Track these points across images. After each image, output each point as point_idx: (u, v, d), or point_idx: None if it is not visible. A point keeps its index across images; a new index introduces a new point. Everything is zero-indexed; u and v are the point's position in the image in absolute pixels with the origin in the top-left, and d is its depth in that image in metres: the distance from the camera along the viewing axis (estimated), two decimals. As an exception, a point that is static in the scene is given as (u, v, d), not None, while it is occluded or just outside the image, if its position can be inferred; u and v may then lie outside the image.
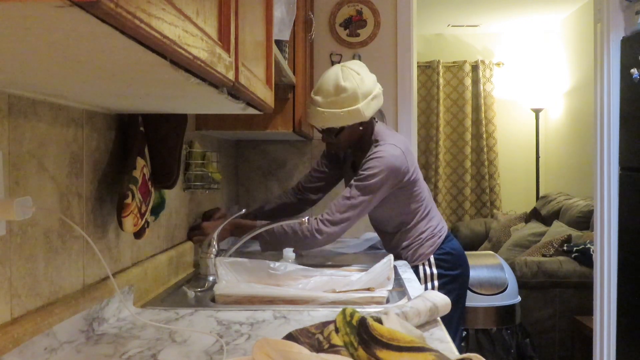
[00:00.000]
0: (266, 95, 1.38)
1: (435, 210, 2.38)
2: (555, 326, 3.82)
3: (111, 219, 1.46)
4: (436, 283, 2.27)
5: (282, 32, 1.92)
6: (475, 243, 5.57)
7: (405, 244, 2.31)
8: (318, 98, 2.18)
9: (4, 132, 1.02)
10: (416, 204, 2.28)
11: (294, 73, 2.34)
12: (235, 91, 1.11)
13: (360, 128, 2.22)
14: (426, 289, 2.24)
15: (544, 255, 4.02)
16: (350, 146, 2.31)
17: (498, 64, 6.37)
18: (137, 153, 1.47)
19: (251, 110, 1.40)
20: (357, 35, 3.09)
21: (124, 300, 1.44)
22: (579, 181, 5.29)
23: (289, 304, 1.60)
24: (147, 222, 1.51)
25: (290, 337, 1.09)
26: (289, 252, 2.13)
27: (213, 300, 1.68)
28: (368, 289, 1.71)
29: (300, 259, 2.23)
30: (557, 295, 3.80)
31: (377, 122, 2.31)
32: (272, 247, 2.17)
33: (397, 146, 2.19)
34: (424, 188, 2.32)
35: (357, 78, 2.16)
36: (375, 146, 2.20)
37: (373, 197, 2.16)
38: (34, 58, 0.77)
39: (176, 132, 1.59)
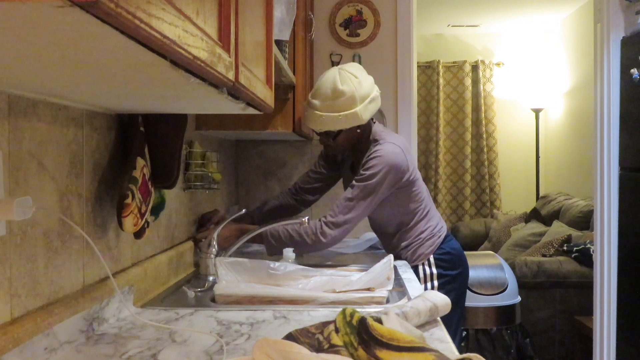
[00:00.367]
0: (266, 95, 1.38)
1: (434, 210, 2.38)
2: (555, 326, 3.82)
3: (111, 219, 1.46)
4: (436, 283, 2.27)
5: (282, 32, 1.92)
6: (475, 243, 5.57)
7: (404, 244, 2.31)
8: (315, 102, 2.18)
9: (4, 132, 1.02)
10: (415, 204, 2.28)
11: (294, 73, 2.34)
12: (235, 91, 1.11)
13: (358, 130, 2.22)
14: (426, 288, 2.24)
15: (544, 255, 4.02)
16: (348, 148, 2.32)
17: (498, 64, 6.37)
18: (137, 153, 1.47)
19: (251, 110, 1.40)
20: (357, 35, 3.09)
21: (124, 300, 1.44)
22: (579, 181, 5.29)
23: (289, 304, 1.60)
24: (147, 222, 1.51)
25: (290, 337, 1.09)
26: (289, 252, 2.13)
27: (213, 300, 1.68)
28: (368, 289, 1.71)
29: (300, 259, 2.23)
30: (557, 295, 3.80)
31: (374, 122, 2.32)
32: (277, 251, 2.18)
33: (396, 144, 2.19)
34: (422, 188, 2.32)
35: (355, 81, 2.15)
36: (375, 145, 2.20)
37: (375, 196, 2.16)
38: (34, 58, 0.77)
39: (176, 132, 1.59)
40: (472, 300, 3.43)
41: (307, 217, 2.06)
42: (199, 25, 0.81)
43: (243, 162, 3.15)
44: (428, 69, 6.37)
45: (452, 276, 2.31)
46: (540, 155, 6.16)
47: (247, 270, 1.78)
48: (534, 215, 5.02)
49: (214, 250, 1.99)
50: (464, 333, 3.50)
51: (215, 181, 2.25)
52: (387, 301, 1.66)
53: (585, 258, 3.77)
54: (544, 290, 3.80)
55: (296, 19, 2.18)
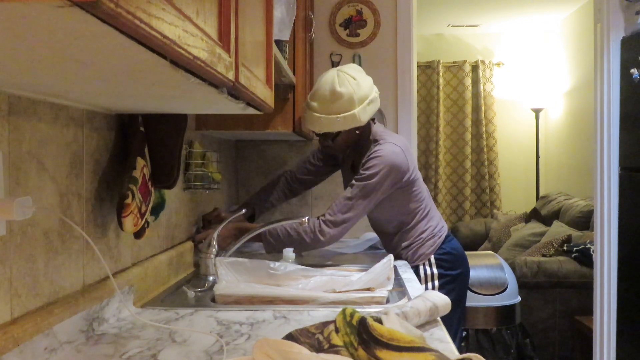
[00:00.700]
0: (266, 95, 1.38)
1: (434, 210, 2.38)
2: (555, 326, 3.82)
3: (111, 219, 1.46)
4: (436, 283, 2.27)
5: (282, 32, 1.92)
6: (475, 243, 5.57)
7: (405, 244, 2.31)
8: (314, 103, 2.18)
9: (4, 132, 1.02)
10: (415, 204, 2.28)
11: (294, 73, 2.34)
12: (235, 91, 1.11)
13: (357, 132, 2.23)
14: (426, 289, 2.24)
15: (544, 255, 4.02)
16: (347, 149, 2.32)
17: (498, 64, 6.37)
18: (137, 153, 1.47)
19: (251, 110, 1.40)
20: (357, 35, 3.09)
21: (124, 300, 1.44)
22: (579, 181, 5.29)
23: (289, 304, 1.60)
24: (147, 222, 1.51)
25: (290, 337, 1.09)
26: (289, 252, 2.13)
27: (213, 300, 1.68)
28: (368, 289, 1.71)
29: (300, 259, 2.23)
30: (557, 295, 3.80)
31: (375, 122, 2.32)
32: (276, 249, 2.18)
33: (396, 144, 2.20)
34: (423, 188, 2.32)
35: (353, 83, 2.15)
36: (375, 145, 2.21)
37: (375, 196, 2.17)
38: (34, 58, 0.77)
39: (176, 132, 1.59)
40: (472, 300, 3.43)
41: (307, 217, 2.06)
42: (199, 25, 0.81)
43: (243, 162, 3.15)
44: (428, 69, 6.37)
45: (452, 276, 2.31)
46: (540, 155, 6.16)
47: (247, 270, 1.78)
48: (534, 215, 5.02)
49: (214, 250, 1.99)
50: (464, 333, 3.50)
51: (215, 181, 2.25)
52: (387, 301, 1.66)
53: (585, 258, 3.77)
54: (544, 290, 3.80)
55: (296, 19, 2.18)
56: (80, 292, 1.29)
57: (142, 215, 1.46)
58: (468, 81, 6.36)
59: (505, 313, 3.53)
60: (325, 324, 1.11)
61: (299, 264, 1.92)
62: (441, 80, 6.36)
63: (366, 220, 2.46)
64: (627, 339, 2.90)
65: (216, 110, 1.52)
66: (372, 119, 2.31)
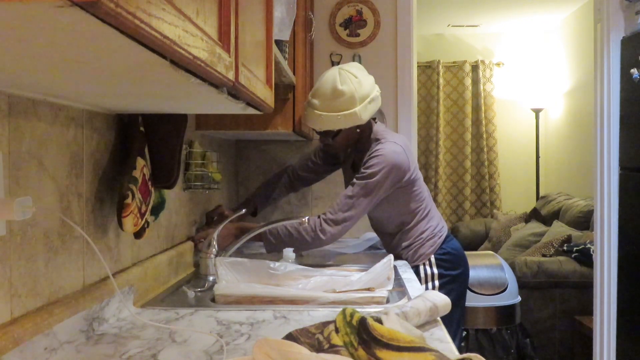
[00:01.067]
0: (266, 95, 1.38)
1: (435, 211, 2.38)
2: (555, 326, 3.82)
3: (111, 219, 1.46)
4: (437, 283, 2.27)
5: (282, 32, 1.92)
6: (475, 243, 5.57)
7: (405, 244, 2.31)
8: (315, 101, 2.19)
9: (4, 132, 1.02)
10: (416, 203, 2.28)
11: (294, 73, 2.34)
12: (235, 91, 1.11)
13: (358, 130, 2.23)
14: (427, 289, 2.24)
15: (544, 255, 4.02)
16: (348, 148, 2.32)
17: (498, 64, 6.37)
18: (137, 153, 1.47)
19: (251, 110, 1.40)
20: (357, 35, 3.09)
21: (124, 300, 1.44)
22: (579, 181, 5.29)
23: (289, 304, 1.60)
24: (147, 222, 1.51)
25: (290, 337, 1.09)
26: (289, 252, 2.13)
27: (213, 300, 1.68)
28: (368, 289, 1.71)
29: (300, 259, 2.23)
30: (557, 295, 3.80)
31: (376, 122, 2.32)
32: (276, 248, 2.19)
33: (397, 144, 2.20)
34: (423, 188, 2.33)
35: (355, 81, 2.16)
36: (376, 144, 2.21)
37: (375, 195, 2.17)
38: (34, 58, 0.77)
39: (176, 132, 1.59)
40: (472, 300, 3.43)
41: (307, 217, 2.06)
42: (199, 25, 0.81)
43: (243, 162, 3.15)
44: (428, 69, 6.36)
45: (452, 276, 2.31)
46: (540, 155, 6.16)
47: (247, 270, 1.78)
48: (534, 215, 5.02)
49: (214, 250, 1.99)
50: (464, 333, 3.50)
51: (215, 181, 2.25)
52: (387, 301, 1.66)
53: (585, 258, 3.77)
54: (544, 290, 3.80)
55: (296, 19, 2.18)
56: (80, 292, 1.29)
57: (142, 215, 1.46)
58: (468, 81, 6.36)
59: (505, 313, 3.53)
60: (325, 324, 1.11)
61: (299, 264, 1.92)
62: (441, 80, 6.36)
63: (366, 220, 2.46)
64: (627, 339, 2.90)
65: (216, 110, 1.52)
66: (373, 118, 2.31)
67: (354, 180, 2.19)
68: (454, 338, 2.15)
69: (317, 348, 1.06)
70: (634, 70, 2.70)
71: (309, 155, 2.64)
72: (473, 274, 3.00)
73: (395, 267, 1.92)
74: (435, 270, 2.28)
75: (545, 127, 6.29)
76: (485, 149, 6.33)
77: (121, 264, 1.54)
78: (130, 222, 1.40)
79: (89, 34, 0.61)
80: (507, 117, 6.38)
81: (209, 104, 1.30)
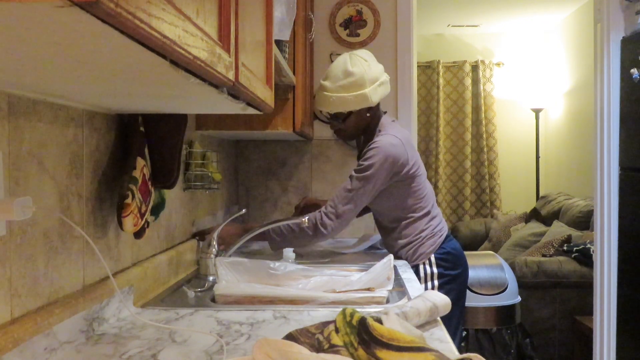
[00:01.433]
0: (266, 95, 1.38)
1: (436, 210, 2.38)
2: (555, 326, 3.82)
3: (111, 219, 1.46)
4: (436, 282, 2.27)
5: (282, 32, 1.92)
6: (475, 243, 5.57)
7: (404, 242, 2.31)
8: (326, 83, 2.25)
9: (4, 132, 1.02)
10: (414, 200, 2.28)
11: (294, 73, 2.34)
12: (235, 91, 1.11)
13: (368, 115, 2.26)
14: (426, 288, 2.24)
15: (544, 255, 4.02)
16: (358, 134, 2.34)
17: (498, 64, 6.37)
18: (137, 153, 1.47)
19: (251, 110, 1.40)
20: (357, 35, 3.09)
21: (124, 300, 1.44)
22: (579, 181, 5.29)
23: (289, 304, 1.60)
24: (147, 222, 1.51)
25: (290, 337, 1.09)
26: (289, 252, 2.13)
27: (213, 300, 1.68)
28: (368, 289, 1.71)
29: (300, 259, 2.23)
30: (557, 295, 3.80)
31: (385, 113, 2.34)
32: (281, 246, 2.20)
33: (396, 136, 2.21)
34: (425, 186, 2.32)
35: (365, 64, 2.23)
36: (376, 136, 2.23)
37: (373, 187, 2.18)
38: (34, 58, 0.77)
39: (176, 132, 1.59)
40: (472, 300, 3.43)
41: (306, 217, 2.07)
42: (199, 25, 0.81)
43: (243, 162, 3.15)
44: (428, 69, 6.36)
45: (452, 276, 2.31)
46: (540, 155, 6.16)
47: (247, 270, 1.78)
48: (534, 215, 5.02)
49: (214, 250, 1.99)
50: (464, 333, 3.50)
51: (215, 181, 2.25)
52: (387, 301, 1.66)
53: (585, 258, 3.77)
54: (544, 290, 3.80)
55: (296, 19, 2.18)
56: (80, 292, 1.29)
57: (142, 215, 1.46)
58: (468, 81, 6.36)
59: (505, 313, 3.53)
60: (325, 324, 1.11)
61: (299, 264, 1.92)
62: (441, 80, 6.36)
63: (366, 219, 2.46)
64: (627, 339, 2.90)
65: (216, 110, 1.52)
66: (384, 111, 2.33)
67: (352, 173, 2.21)
68: (454, 338, 2.15)
69: (317, 348, 1.06)
70: (634, 70, 2.70)
71: None
72: (473, 274, 3.00)
73: (395, 267, 1.92)
74: (435, 270, 2.28)
75: (545, 127, 6.29)
76: (485, 149, 6.33)
77: (121, 264, 1.54)
78: (130, 222, 1.40)
79: (89, 34, 0.61)
80: (507, 117, 6.38)
81: (209, 104, 1.30)
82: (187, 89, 1.01)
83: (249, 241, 2.18)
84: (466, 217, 6.29)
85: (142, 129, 1.52)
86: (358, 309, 1.10)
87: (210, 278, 1.93)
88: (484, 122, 6.33)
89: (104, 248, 1.43)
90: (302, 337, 1.08)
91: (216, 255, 1.97)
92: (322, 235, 2.19)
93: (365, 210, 2.48)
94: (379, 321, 1.09)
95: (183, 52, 0.73)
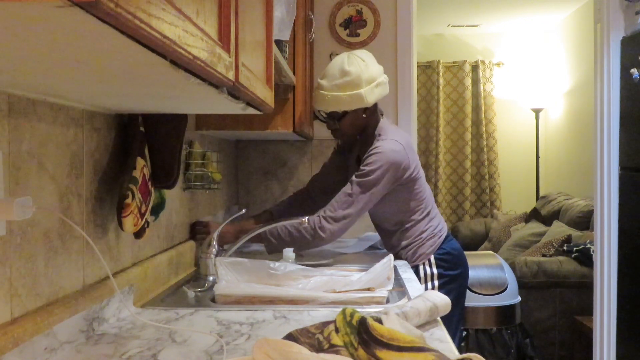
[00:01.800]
0: (266, 95, 1.38)
1: (435, 211, 2.38)
2: (555, 326, 3.82)
3: (111, 219, 1.46)
4: (436, 283, 2.27)
5: (282, 32, 1.92)
6: (475, 243, 5.57)
7: (405, 243, 2.30)
8: (323, 82, 2.24)
9: (4, 132, 1.02)
10: (416, 202, 2.28)
11: (294, 73, 2.34)
12: (235, 91, 1.11)
13: (364, 115, 2.24)
14: (426, 288, 2.24)
15: (544, 255, 4.02)
16: (354, 135, 2.32)
17: (498, 64, 6.37)
18: (137, 153, 1.47)
19: (251, 110, 1.40)
20: (357, 35, 3.09)
21: (124, 300, 1.44)
22: (579, 181, 5.29)
23: (289, 304, 1.60)
24: (147, 222, 1.51)
25: (290, 337, 1.09)
26: (289, 252, 2.13)
27: (213, 300, 1.68)
28: (368, 289, 1.71)
29: (300, 259, 2.23)
30: (557, 295, 3.80)
31: (382, 116, 2.33)
32: (277, 249, 2.18)
33: (398, 142, 2.20)
34: (425, 188, 2.32)
35: (362, 64, 2.22)
36: (377, 141, 2.22)
37: (374, 193, 2.17)
38: (34, 58, 0.76)
39: (176, 132, 1.59)
40: (472, 300, 3.43)
41: (306, 217, 2.06)
42: (199, 25, 0.81)
43: (243, 162, 3.15)
44: (428, 69, 6.36)
45: (452, 276, 2.31)
46: (540, 155, 6.16)
47: (247, 270, 1.78)
48: (534, 215, 5.02)
49: (214, 250, 1.99)
50: (464, 333, 3.50)
51: (215, 181, 2.25)
52: (387, 301, 1.66)
53: (585, 258, 3.77)
54: (544, 290, 3.80)
55: (296, 19, 2.18)
56: (80, 292, 1.29)
57: (142, 215, 1.46)
58: (468, 81, 6.36)
59: (505, 313, 3.53)
60: (325, 324, 1.11)
61: (299, 264, 1.92)
62: (441, 80, 6.36)
63: (366, 220, 2.46)
64: (627, 339, 2.90)
65: (216, 110, 1.52)
66: (381, 113, 2.32)
67: (353, 177, 2.19)
68: (454, 338, 2.15)
69: (317, 348, 1.06)
70: (634, 70, 2.70)
71: (320, 172, 2.62)
72: (473, 274, 3.00)
73: (395, 267, 1.92)
74: (435, 270, 2.28)
75: (545, 127, 6.29)
76: (485, 149, 6.33)
77: (121, 264, 1.54)
78: (130, 222, 1.40)
79: (89, 34, 0.61)
80: (507, 117, 6.38)
81: (209, 104, 1.30)
82: (187, 89, 1.01)
83: (247, 242, 2.17)
84: (466, 217, 6.28)
85: (142, 129, 1.52)
86: (358, 309, 1.10)
87: (210, 278, 1.93)
88: (484, 122, 6.33)
89: (104, 248, 1.43)
90: (302, 337, 1.08)
91: (216, 255, 1.97)
92: (321, 239, 2.17)
93: None
94: (379, 321, 1.09)
95: (183, 52, 0.73)
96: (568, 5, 5.41)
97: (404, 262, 2.28)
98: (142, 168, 1.48)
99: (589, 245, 3.78)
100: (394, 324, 1.09)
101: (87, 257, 1.34)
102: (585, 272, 3.72)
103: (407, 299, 1.64)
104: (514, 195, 6.37)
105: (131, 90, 1.09)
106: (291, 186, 3.11)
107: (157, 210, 1.75)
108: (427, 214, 2.32)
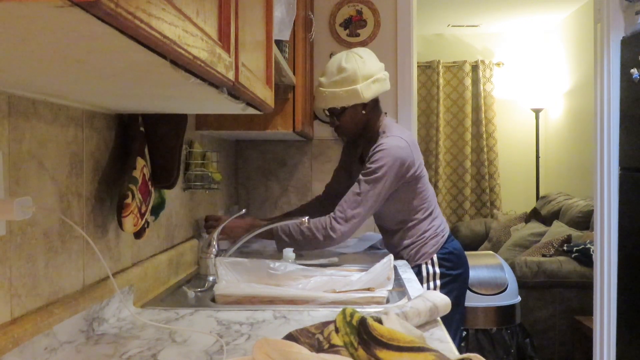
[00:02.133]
0: (266, 95, 1.38)
1: (438, 211, 2.38)
2: (555, 326, 3.82)
3: (111, 219, 1.46)
4: (438, 282, 2.27)
5: (282, 32, 1.92)
6: (475, 243, 5.57)
7: (407, 242, 2.31)
8: (322, 79, 2.28)
9: (4, 132, 1.02)
10: (419, 201, 2.29)
11: (294, 73, 2.34)
12: (235, 91, 1.11)
13: (363, 112, 2.25)
14: (428, 288, 2.24)
15: (544, 255, 4.02)
16: (356, 131, 2.32)
17: (498, 64, 6.37)
18: (137, 153, 1.47)
19: (251, 110, 1.40)
20: (357, 35, 3.09)
21: (124, 300, 1.44)
22: (579, 181, 5.29)
23: (289, 304, 1.60)
24: (147, 222, 1.51)
25: (290, 337, 1.09)
26: (289, 252, 2.13)
27: (213, 300, 1.68)
28: (368, 289, 1.71)
29: (300, 259, 2.23)
30: (557, 295, 3.80)
31: (386, 114, 2.34)
32: (288, 246, 2.20)
33: (402, 138, 2.21)
34: (427, 187, 2.33)
35: (359, 61, 2.24)
36: (382, 138, 2.23)
37: (382, 190, 2.17)
38: (34, 58, 0.76)
39: (176, 132, 1.59)
40: (472, 300, 3.43)
41: (306, 217, 2.06)
42: (199, 25, 0.81)
43: (243, 162, 3.15)
44: (428, 69, 6.37)
45: (453, 276, 2.31)
46: (540, 155, 6.16)
47: (247, 270, 1.78)
48: (534, 215, 5.02)
49: (214, 250, 1.99)
50: (464, 333, 3.50)
51: (215, 181, 2.25)
52: (387, 301, 1.66)
53: (585, 258, 3.77)
54: (544, 290, 3.80)
55: (296, 19, 2.19)
56: (80, 292, 1.29)
57: (142, 215, 1.46)
58: (468, 81, 6.36)
59: (505, 313, 3.53)
60: (325, 324, 1.11)
61: (299, 264, 1.92)
62: (441, 80, 6.36)
63: (366, 219, 2.46)
64: (627, 339, 2.90)
65: (216, 110, 1.52)
66: (385, 113, 2.33)
67: (360, 177, 2.20)
68: (453, 338, 2.15)
69: (317, 348, 1.06)
70: (634, 70, 2.70)
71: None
72: (473, 274, 3.00)
73: (395, 267, 1.92)
74: (437, 270, 2.28)
75: (545, 127, 6.29)
76: (485, 149, 6.33)
77: (121, 264, 1.54)
78: (130, 222, 1.40)
79: (89, 34, 0.61)
80: (507, 117, 6.39)
81: (209, 104, 1.30)
82: (187, 89, 1.01)
83: (250, 240, 2.17)
84: (466, 217, 6.29)
85: (142, 129, 1.52)
86: (358, 309, 1.10)
87: (210, 278, 1.93)
88: (484, 122, 6.33)
89: (104, 248, 1.43)
90: (302, 337, 1.08)
91: (216, 255, 1.97)
92: (332, 239, 2.18)
93: None
94: (379, 321, 1.09)
95: (183, 52, 0.73)
96: (568, 5, 5.41)
97: (404, 262, 2.28)
98: (142, 168, 1.47)
99: (589, 245, 3.78)
100: (394, 324, 1.09)
101: (87, 257, 1.34)
102: (585, 272, 3.72)
103: (407, 299, 1.64)
104: (514, 195, 6.37)
105: (131, 91, 1.09)
106: (291, 186, 3.11)
107: (157, 210, 1.75)
108: (430, 213, 2.32)
